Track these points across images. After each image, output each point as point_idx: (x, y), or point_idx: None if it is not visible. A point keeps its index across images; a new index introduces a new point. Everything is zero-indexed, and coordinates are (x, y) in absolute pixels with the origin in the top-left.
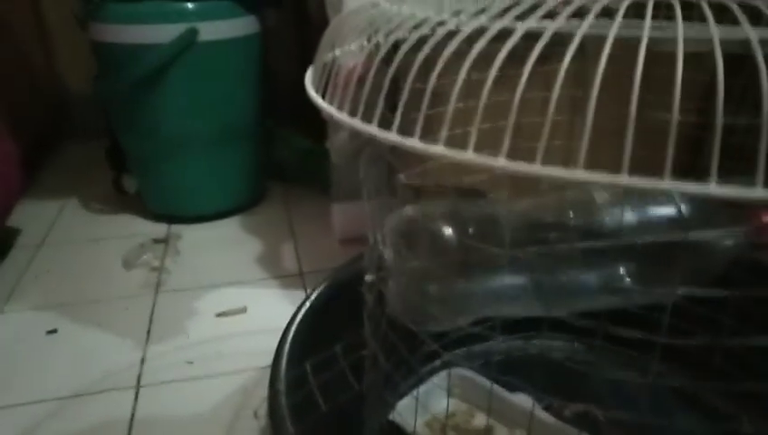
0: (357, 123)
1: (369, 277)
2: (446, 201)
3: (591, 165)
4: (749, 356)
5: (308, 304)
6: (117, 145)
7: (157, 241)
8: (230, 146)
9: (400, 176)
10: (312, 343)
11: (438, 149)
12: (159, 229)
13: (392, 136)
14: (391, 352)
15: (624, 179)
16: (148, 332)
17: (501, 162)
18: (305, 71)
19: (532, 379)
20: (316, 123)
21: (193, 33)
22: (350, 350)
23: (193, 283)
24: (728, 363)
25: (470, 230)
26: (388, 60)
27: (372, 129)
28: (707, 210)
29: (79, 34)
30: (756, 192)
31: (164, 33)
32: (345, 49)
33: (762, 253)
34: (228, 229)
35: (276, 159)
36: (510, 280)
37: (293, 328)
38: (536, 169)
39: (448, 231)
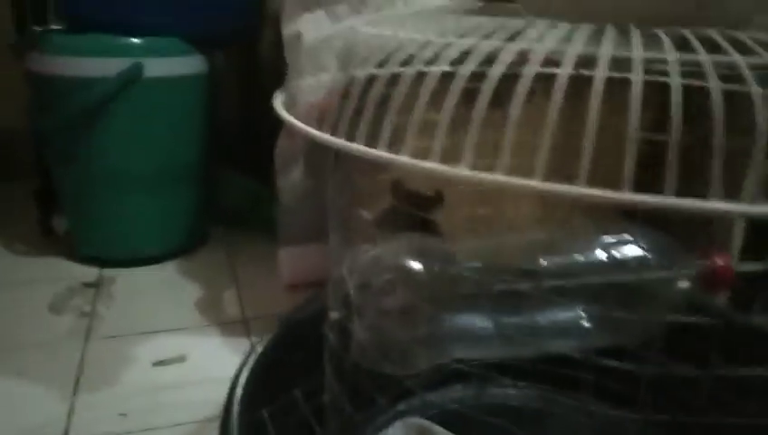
0: (326, 137)
1: (333, 315)
2: (410, 239)
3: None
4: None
5: (260, 348)
6: (48, 182)
7: (87, 285)
8: (171, 187)
9: (363, 212)
10: (266, 389)
11: (404, 158)
12: (90, 273)
13: (359, 146)
14: (354, 396)
15: (581, 190)
16: (77, 381)
17: (464, 172)
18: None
19: (489, 428)
20: (261, 166)
21: (138, 68)
22: (312, 395)
23: (127, 329)
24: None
25: (436, 268)
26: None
27: (340, 141)
28: (667, 252)
29: (5, 65)
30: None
31: (108, 67)
32: (312, 80)
33: (712, 295)
34: (166, 274)
35: (219, 202)
36: (473, 321)
37: (245, 373)
38: (498, 178)
39: (418, 266)
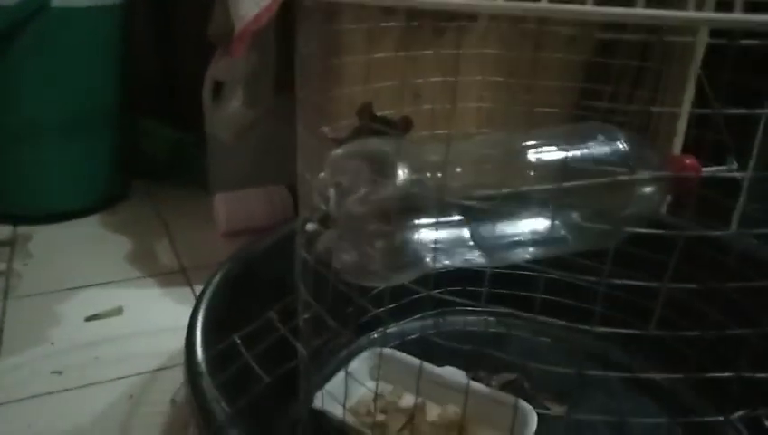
0: None
1: (310, 226)
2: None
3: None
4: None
5: (218, 277)
6: None
7: (1, 243)
8: (86, 134)
9: (324, 129)
10: (230, 320)
11: None
12: (3, 231)
13: None
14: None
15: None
16: None
17: None
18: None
19: (452, 354)
20: (184, 111)
21: None
22: (285, 318)
23: (52, 286)
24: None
25: (415, 175)
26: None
27: None
28: (643, 150)
29: None
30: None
31: None
32: None
33: (683, 197)
34: (88, 228)
35: (140, 152)
36: (451, 231)
37: (204, 302)
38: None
39: (400, 172)
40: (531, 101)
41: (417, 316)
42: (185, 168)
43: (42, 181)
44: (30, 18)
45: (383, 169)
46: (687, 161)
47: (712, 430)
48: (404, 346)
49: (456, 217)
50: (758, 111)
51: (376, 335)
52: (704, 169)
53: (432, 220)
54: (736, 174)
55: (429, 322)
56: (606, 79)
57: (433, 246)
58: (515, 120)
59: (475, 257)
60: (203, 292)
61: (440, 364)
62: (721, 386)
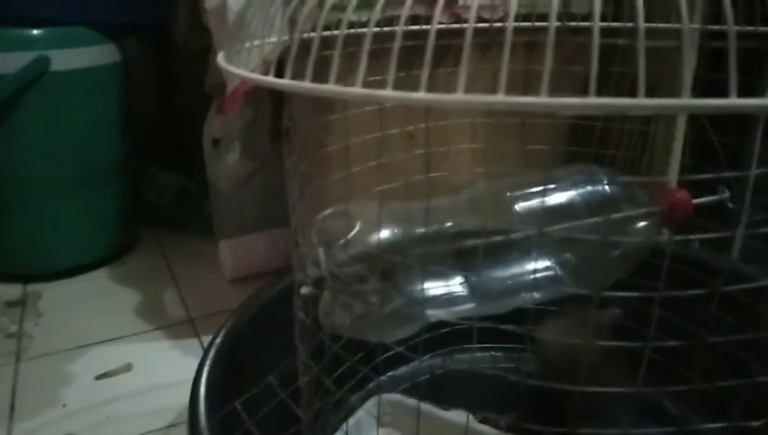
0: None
1: (304, 290)
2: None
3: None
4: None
5: (218, 340)
6: None
7: (11, 304)
8: (92, 190)
9: (318, 218)
10: (232, 381)
11: (356, 90)
12: (13, 291)
13: (308, 85)
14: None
15: (546, 100)
16: (12, 407)
17: (420, 95)
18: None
19: (461, 394)
20: (186, 159)
21: (43, 61)
22: (285, 380)
23: (63, 345)
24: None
25: (404, 233)
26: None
27: (289, 82)
28: (630, 189)
29: None
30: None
31: (9, 63)
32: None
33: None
34: (97, 283)
35: (145, 201)
36: (447, 284)
37: (206, 368)
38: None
39: (387, 232)
40: (523, 136)
41: (426, 356)
42: (190, 214)
43: (50, 238)
44: (31, 84)
45: (366, 223)
46: (677, 195)
47: None
48: (414, 388)
49: (450, 270)
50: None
51: (384, 378)
52: (695, 201)
53: (425, 275)
54: (729, 203)
55: (438, 361)
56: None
57: (429, 298)
58: (508, 159)
59: (473, 306)
60: (206, 351)
61: (448, 406)
62: None
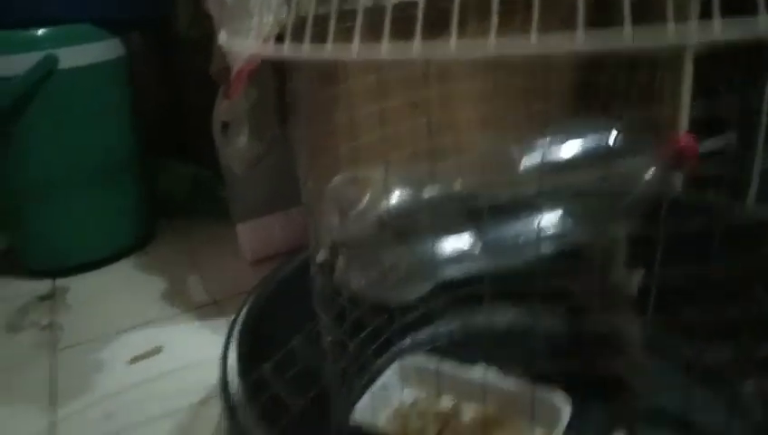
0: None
1: (321, 256)
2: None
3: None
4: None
5: (243, 314)
6: None
7: (42, 298)
8: (108, 184)
9: (331, 186)
10: (258, 351)
11: (354, 47)
12: (43, 286)
13: (306, 48)
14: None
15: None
16: (53, 394)
17: (416, 49)
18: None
19: (484, 352)
20: (198, 148)
21: (51, 60)
22: (309, 344)
23: (94, 333)
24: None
25: (417, 194)
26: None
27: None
28: (634, 140)
29: None
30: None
31: (17, 65)
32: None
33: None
34: (121, 273)
35: (162, 192)
36: (459, 240)
37: (234, 339)
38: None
39: (399, 196)
40: (529, 95)
41: (446, 317)
42: (206, 202)
43: (72, 234)
44: (40, 84)
45: (377, 189)
46: (683, 141)
47: None
48: (436, 350)
49: (463, 227)
50: None
51: (408, 342)
52: (701, 146)
53: (436, 235)
54: (734, 145)
55: (458, 323)
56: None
57: (442, 257)
58: (516, 120)
59: (485, 262)
60: (232, 325)
61: (472, 364)
62: None
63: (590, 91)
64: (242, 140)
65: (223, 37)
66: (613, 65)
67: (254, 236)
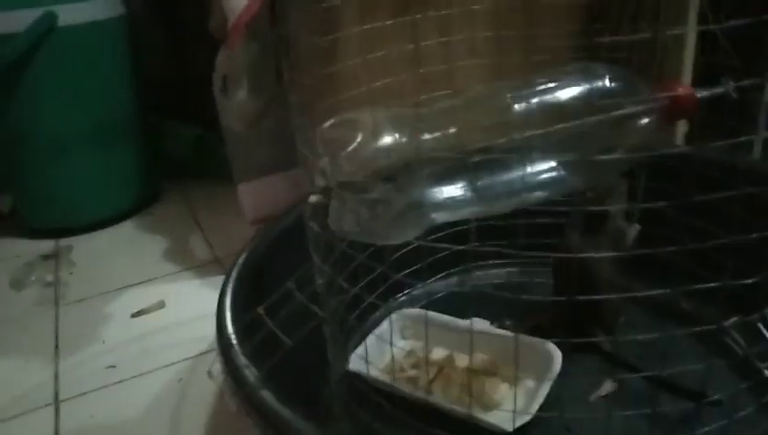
0: None
1: (312, 198)
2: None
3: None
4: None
5: (244, 256)
6: None
7: (45, 257)
8: (111, 143)
9: (322, 128)
10: (256, 292)
11: None
12: (46, 245)
13: None
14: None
15: None
16: (56, 347)
17: None
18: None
19: (477, 307)
20: (202, 107)
21: (50, 17)
22: (305, 283)
23: (97, 289)
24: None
25: (408, 139)
26: None
27: None
28: (632, 85)
29: None
30: None
31: (16, 22)
32: None
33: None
34: (125, 233)
35: (166, 154)
36: (451, 185)
37: (232, 280)
38: None
39: (392, 137)
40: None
41: (442, 274)
42: (209, 162)
43: (75, 194)
44: (40, 41)
45: (368, 131)
46: (680, 88)
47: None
48: (432, 305)
49: (454, 171)
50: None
51: (404, 297)
52: (699, 93)
53: (427, 179)
54: (734, 94)
55: (454, 279)
56: (605, 18)
57: (434, 201)
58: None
59: (477, 208)
60: (229, 272)
61: (467, 318)
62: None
63: (593, 42)
64: (241, 95)
65: None
66: (616, 15)
67: (255, 196)
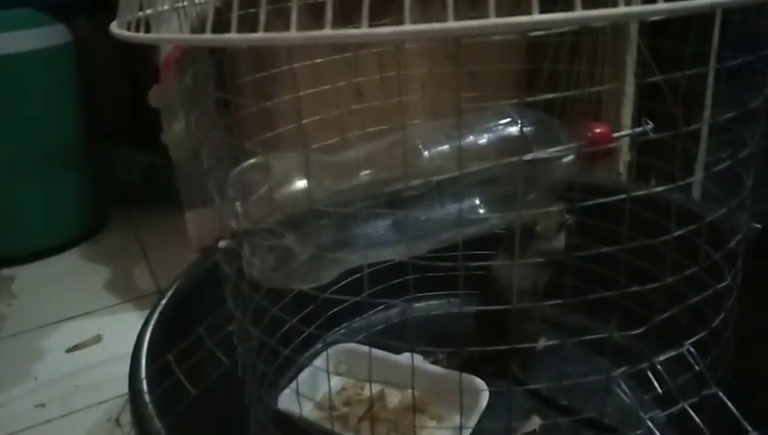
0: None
1: (222, 243)
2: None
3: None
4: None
5: (163, 302)
6: None
7: None
8: (57, 171)
9: (234, 171)
10: (173, 338)
11: (292, 34)
12: None
13: (233, 36)
14: (259, 321)
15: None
16: None
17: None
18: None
19: (416, 339)
20: (152, 135)
21: None
22: (216, 329)
23: (35, 322)
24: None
25: (325, 183)
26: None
27: (208, 36)
28: (546, 128)
29: None
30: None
31: None
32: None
33: (595, 165)
34: (69, 263)
35: (117, 180)
36: (371, 226)
37: (149, 329)
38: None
39: (302, 183)
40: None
41: (381, 307)
42: (160, 189)
43: (20, 222)
44: None
45: (280, 175)
46: (597, 130)
47: None
48: (370, 338)
49: (377, 213)
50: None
51: (343, 331)
52: (615, 135)
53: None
54: (650, 134)
55: (396, 311)
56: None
57: (347, 245)
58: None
59: (399, 248)
60: (149, 314)
61: (402, 351)
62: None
63: (533, 79)
64: (178, 126)
65: (114, 27)
66: (554, 52)
67: (201, 224)
